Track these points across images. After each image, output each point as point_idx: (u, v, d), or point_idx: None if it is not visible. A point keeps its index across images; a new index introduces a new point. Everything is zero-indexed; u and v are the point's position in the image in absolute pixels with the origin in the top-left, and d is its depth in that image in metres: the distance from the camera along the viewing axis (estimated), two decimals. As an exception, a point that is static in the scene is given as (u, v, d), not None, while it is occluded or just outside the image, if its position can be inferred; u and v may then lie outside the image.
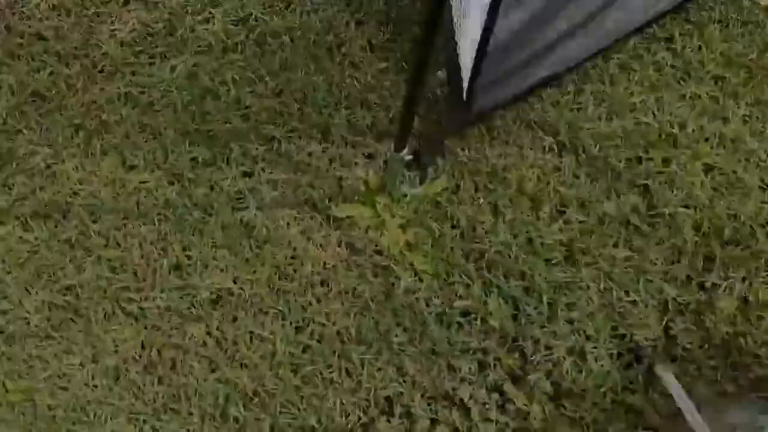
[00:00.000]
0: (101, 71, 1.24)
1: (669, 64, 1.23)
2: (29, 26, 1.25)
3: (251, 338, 1.13)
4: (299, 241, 1.15)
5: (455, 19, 1.12)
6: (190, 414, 1.12)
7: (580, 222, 1.14)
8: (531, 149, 1.19)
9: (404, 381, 1.11)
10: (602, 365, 1.09)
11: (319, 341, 1.12)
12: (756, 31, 1.24)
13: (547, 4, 1.10)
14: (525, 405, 1.08)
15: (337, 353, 1.12)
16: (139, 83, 1.23)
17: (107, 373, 1.13)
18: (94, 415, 1.12)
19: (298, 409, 1.10)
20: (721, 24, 1.26)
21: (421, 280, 1.13)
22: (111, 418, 1.12)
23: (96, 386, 1.13)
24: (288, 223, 1.17)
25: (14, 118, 1.23)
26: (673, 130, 1.19)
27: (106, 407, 1.12)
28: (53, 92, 1.23)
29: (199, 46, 1.24)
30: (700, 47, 1.23)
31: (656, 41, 1.24)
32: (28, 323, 1.16)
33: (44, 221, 1.18)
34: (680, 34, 1.24)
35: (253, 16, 1.25)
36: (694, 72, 1.22)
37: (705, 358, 1.09)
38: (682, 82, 1.23)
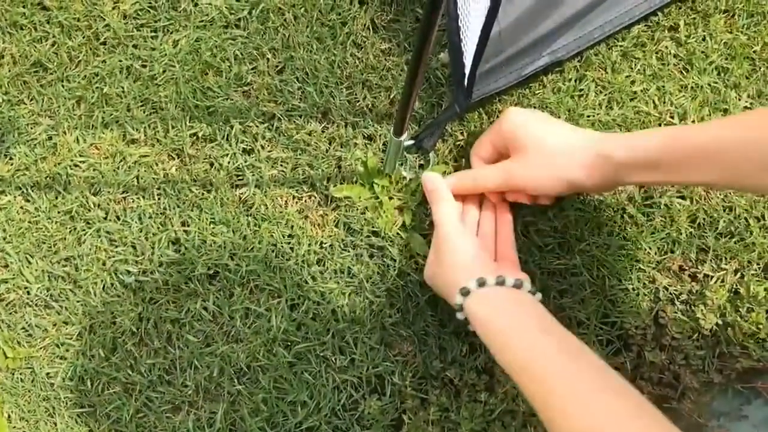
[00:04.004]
0: (104, 43, 1.24)
1: (672, 53, 1.22)
2: (32, -5, 1.25)
3: (247, 314, 1.15)
4: (297, 220, 1.16)
5: (459, 2, 1.11)
6: (185, 386, 1.14)
7: (576, 209, 1.15)
8: (530, 135, 1.19)
9: (396, 361, 1.13)
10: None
11: (313, 319, 1.14)
12: (761, 22, 1.23)
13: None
14: (514, 387, 1.10)
15: (330, 331, 1.13)
16: (142, 57, 1.23)
17: (104, 344, 1.15)
18: (91, 384, 1.15)
19: (291, 385, 1.12)
20: (727, 14, 1.25)
21: (416, 262, 1.14)
22: (107, 388, 1.15)
23: (93, 356, 1.15)
24: (286, 202, 1.17)
25: (16, 88, 1.23)
26: (673, 120, 1.19)
27: (103, 377, 1.15)
28: (55, 63, 1.23)
29: (202, 21, 1.24)
30: (704, 38, 1.23)
31: (660, 30, 1.23)
32: (28, 292, 1.17)
33: (45, 192, 1.20)
34: (685, 24, 1.23)
35: (257, -8, 1.24)
36: (697, 62, 1.21)
37: (693, 348, 1.11)
38: (684, 72, 1.22)
